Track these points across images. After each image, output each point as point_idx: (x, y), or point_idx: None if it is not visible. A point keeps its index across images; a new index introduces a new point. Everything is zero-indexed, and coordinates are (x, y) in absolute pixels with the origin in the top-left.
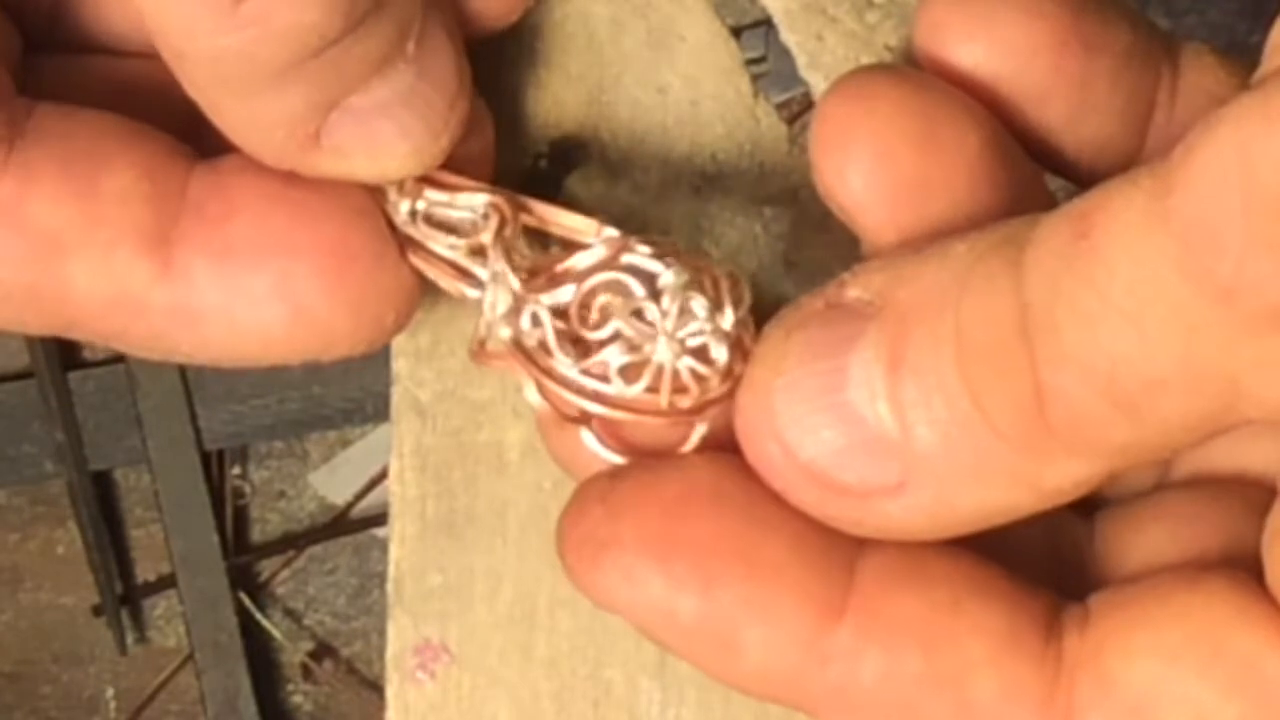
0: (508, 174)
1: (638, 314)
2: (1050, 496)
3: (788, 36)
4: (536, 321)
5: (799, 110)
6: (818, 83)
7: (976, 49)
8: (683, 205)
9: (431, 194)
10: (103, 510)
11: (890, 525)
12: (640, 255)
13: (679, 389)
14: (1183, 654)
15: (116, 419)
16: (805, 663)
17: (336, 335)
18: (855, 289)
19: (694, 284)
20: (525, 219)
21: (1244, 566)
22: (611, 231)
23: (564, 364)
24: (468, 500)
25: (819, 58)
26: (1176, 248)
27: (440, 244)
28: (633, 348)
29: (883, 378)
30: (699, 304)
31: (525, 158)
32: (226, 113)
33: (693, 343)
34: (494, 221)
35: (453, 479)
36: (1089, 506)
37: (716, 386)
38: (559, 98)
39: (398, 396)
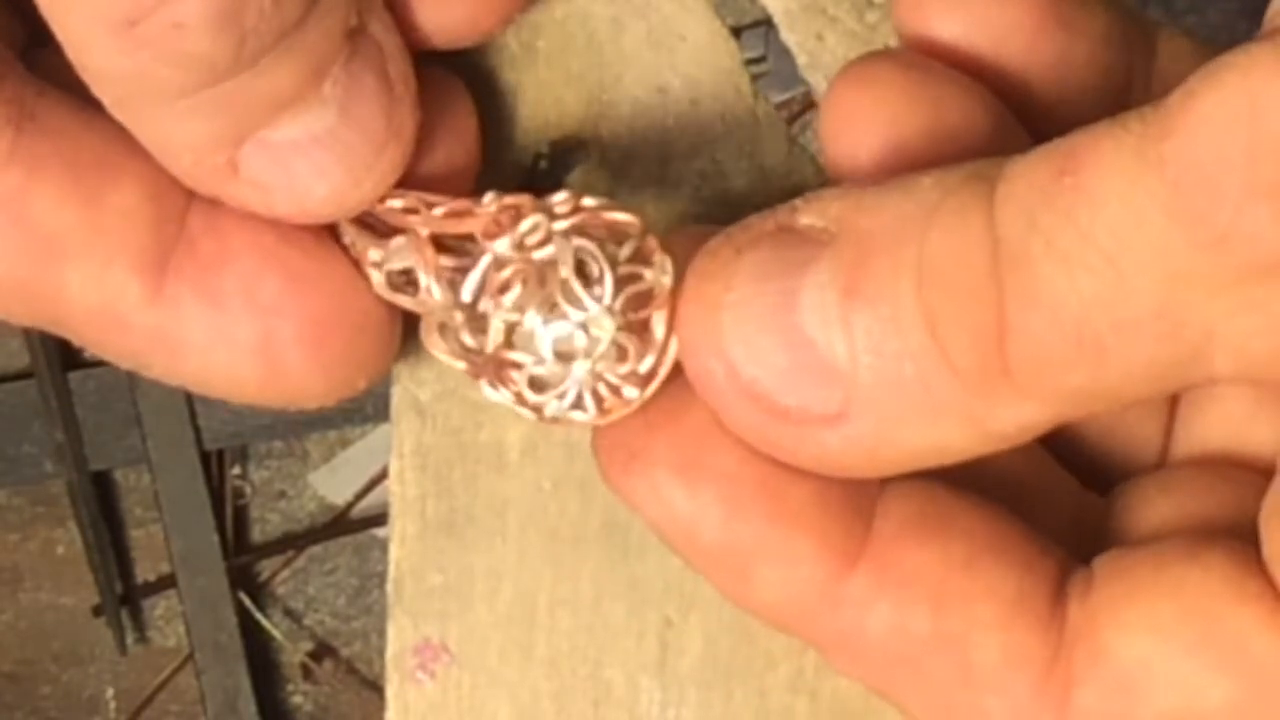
0: (508, 174)
1: (538, 376)
2: (994, 439)
3: (788, 36)
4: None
5: (799, 110)
6: (818, 83)
7: (955, 26)
8: (683, 205)
9: (373, 254)
10: (103, 510)
11: (826, 456)
12: (504, 311)
13: (616, 389)
14: (1175, 630)
15: (116, 419)
16: (816, 605)
17: (306, 394)
18: (809, 216)
19: (555, 312)
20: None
21: (1248, 541)
22: (502, 245)
23: (534, 418)
24: (468, 500)
25: (819, 58)
26: (1168, 192)
27: (414, 307)
28: (560, 395)
29: (836, 304)
30: (569, 327)
31: (525, 158)
32: (135, 130)
33: (598, 351)
34: (420, 269)
35: (453, 479)
36: (1104, 484)
37: (650, 356)
38: (559, 98)
39: (398, 396)
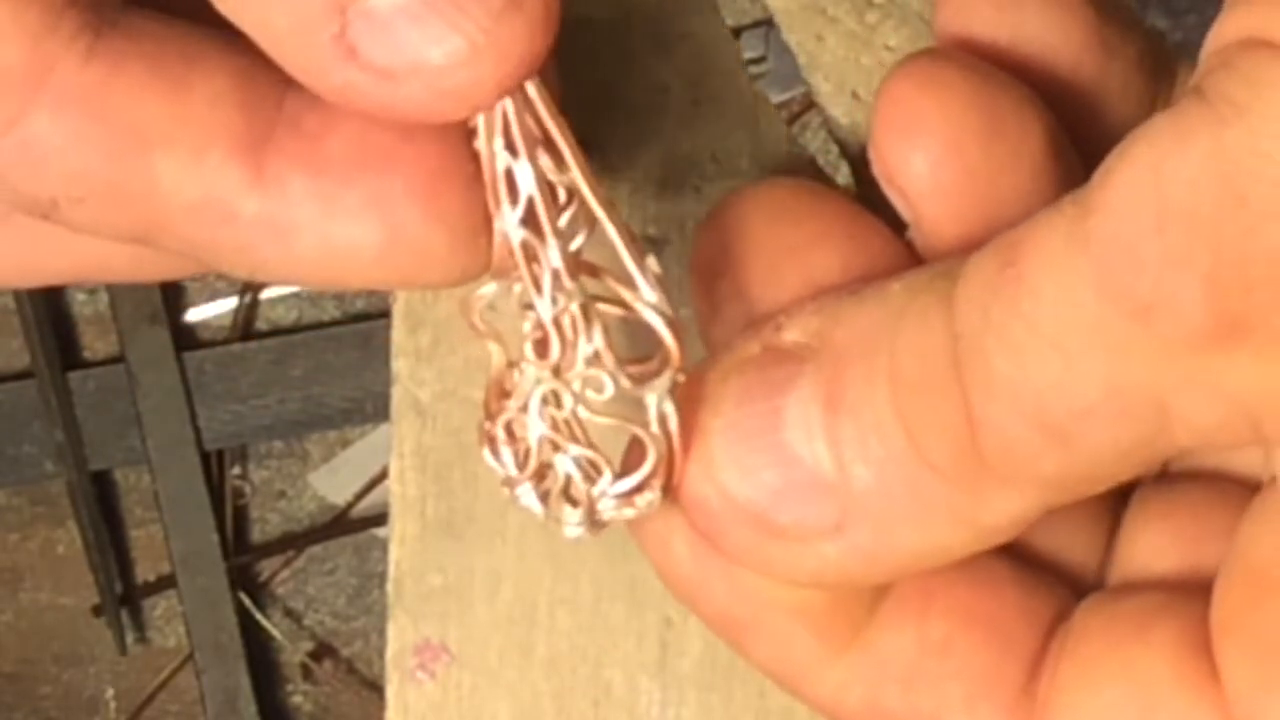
0: None
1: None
2: (988, 534)
3: (788, 36)
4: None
5: (799, 110)
6: (818, 83)
7: (1003, 33)
8: (683, 205)
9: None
10: (103, 510)
11: (827, 569)
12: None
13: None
14: (1118, 716)
15: (116, 419)
16: (798, 680)
17: (432, 257)
18: (792, 332)
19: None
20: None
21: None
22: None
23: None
24: (468, 500)
25: (819, 58)
26: (1095, 268)
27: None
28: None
29: (820, 417)
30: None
31: None
32: (239, 19)
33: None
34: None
35: (453, 479)
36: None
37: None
38: (559, 98)
39: (398, 396)
